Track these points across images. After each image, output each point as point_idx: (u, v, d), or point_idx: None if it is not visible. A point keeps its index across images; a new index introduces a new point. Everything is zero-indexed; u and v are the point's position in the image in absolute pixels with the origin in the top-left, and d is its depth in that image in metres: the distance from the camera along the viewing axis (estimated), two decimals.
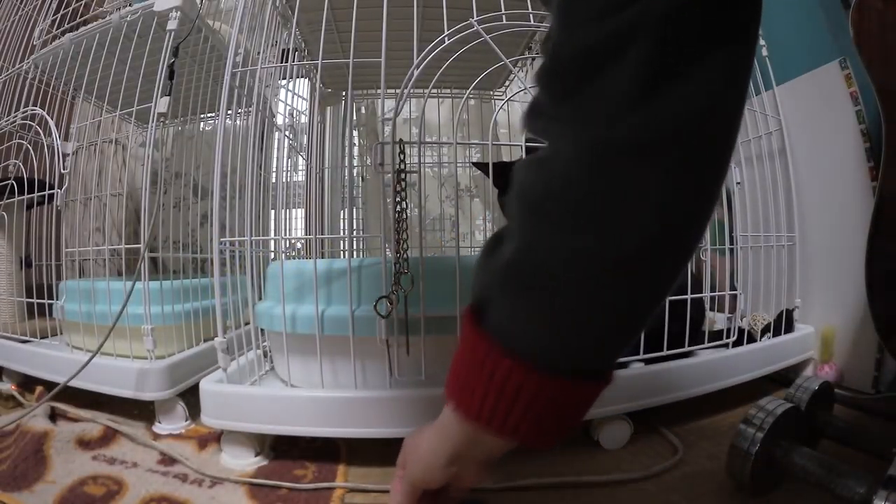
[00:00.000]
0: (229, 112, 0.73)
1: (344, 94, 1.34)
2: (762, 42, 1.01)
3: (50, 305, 0.96)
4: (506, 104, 1.20)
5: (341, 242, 1.40)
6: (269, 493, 0.61)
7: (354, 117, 1.49)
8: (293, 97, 1.14)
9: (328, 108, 1.41)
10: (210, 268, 0.87)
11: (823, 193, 0.98)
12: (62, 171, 0.91)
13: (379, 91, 0.80)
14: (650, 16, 0.24)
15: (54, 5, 1.07)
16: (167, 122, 0.87)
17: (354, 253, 1.22)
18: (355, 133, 1.52)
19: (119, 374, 0.80)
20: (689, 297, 0.76)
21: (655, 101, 0.25)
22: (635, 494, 0.60)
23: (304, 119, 1.22)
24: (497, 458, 0.39)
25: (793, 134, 1.01)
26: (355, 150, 1.52)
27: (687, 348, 0.77)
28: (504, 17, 0.70)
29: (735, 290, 0.91)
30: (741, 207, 0.92)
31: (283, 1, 0.90)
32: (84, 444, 0.73)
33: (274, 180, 1.00)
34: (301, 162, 1.22)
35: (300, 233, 1.36)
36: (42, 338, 1.01)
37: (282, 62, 0.91)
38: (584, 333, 0.30)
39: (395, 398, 0.66)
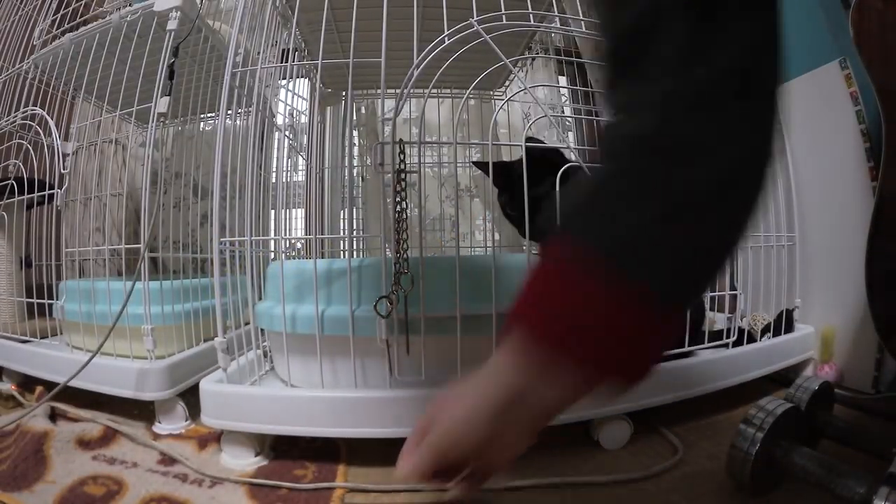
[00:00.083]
0: (229, 112, 0.73)
1: (344, 94, 1.34)
2: None
3: (50, 305, 0.96)
4: (506, 104, 1.20)
5: (341, 242, 1.40)
6: (269, 493, 0.61)
7: (354, 117, 1.49)
8: (293, 97, 1.14)
9: (328, 108, 1.41)
10: (210, 268, 0.87)
11: (823, 193, 0.98)
12: (62, 171, 0.91)
13: (379, 91, 0.80)
14: None
15: (54, 5, 1.07)
16: (167, 122, 0.87)
17: (354, 253, 1.22)
18: (355, 133, 1.52)
19: (119, 374, 0.80)
20: None
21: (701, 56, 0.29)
22: (635, 494, 0.59)
23: (304, 119, 1.22)
24: (540, 427, 0.34)
25: (793, 134, 1.01)
26: (355, 150, 1.52)
27: (687, 348, 0.77)
28: (504, 17, 0.70)
29: (735, 290, 0.91)
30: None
31: (283, 1, 0.90)
32: (84, 444, 0.73)
33: (274, 180, 1.00)
34: (301, 162, 1.22)
35: (300, 233, 1.36)
36: (42, 338, 1.01)
37: (282, 62, 0.91)
38: (684, 260, 0.31)
39: (395, 398, 0.66)
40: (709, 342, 0.82)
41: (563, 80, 1.80)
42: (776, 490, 0.56)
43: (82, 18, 1.01)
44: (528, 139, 0.74)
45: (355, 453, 0.70)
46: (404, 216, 0.65)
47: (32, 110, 0.98)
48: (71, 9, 1.03)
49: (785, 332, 0.93)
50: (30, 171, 0.98)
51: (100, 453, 0.71)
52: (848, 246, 0.91)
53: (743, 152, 0.31)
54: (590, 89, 1.63)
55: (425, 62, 0.68)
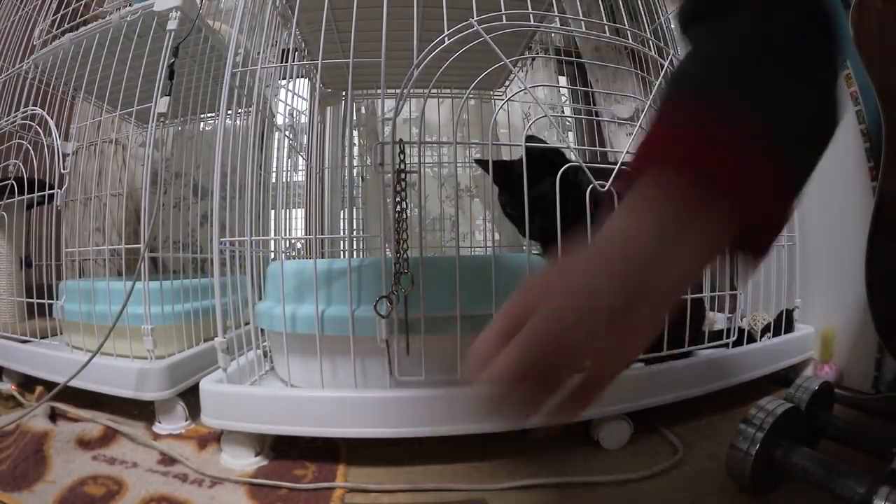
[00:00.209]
0: (229, 112, 0.73)
1: (344, 94, 1.34)
2: None
3: (50, 305, 0.96)
4: (506, 104, 1.20)
5: (341, 242, 1.40)
6: (269, 493, 0.61)
7: (354, 117, 1.49)
8: (293, 97, 1.14)
9: (328, 108, 1.41)
10: (210, 268, 0.87)
11: (823, 193, 0.98)
12: (62, 171, 0.91)
13: (379, 91, 0.80)
14: None
15: (54, 5, 1.07)
16: (167, 122, 0.87)
17: (354, 253, 1.22)
18: (355, 133, 1.52)
19: (119, 374, 0.80)
20: (688, 296, 0.76)
21: None
22: (635, 494, 0.59)
23: (304, 119, 1.22)
24: (675, 300, 0.29)
25: None
26: (355, 150, 1.53)
27: (687, 348, 0.77)
28: (504, 17, 0.70)
29: (735, 290, 0.91)
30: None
31: (283, 1, 0.90)
32: (84, 444, 0.73)
33: (274, 180, 1.00)
34: (301, 162, 1.22)
35: (300, 233, 1.36)
36: (42, 338, 1.01)
37: (282, 62, 0.91)
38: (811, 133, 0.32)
39: (395, 398, 0.66)
40: (709, 342, 0.82)
41: (563, 80, 1.81)
42: (776, 490, 0.56)
43: (82, 18, 1.01)
44: (529, 138, 0.74)
45: (355, 453, 0.70)
46: (404, 216, 0.65)
47: (32, 110, 0.98)
48: (71, 9, 1.03)
49: (785, 332, 0.93)
50: (30, 171, 0.98)
51: (100, 453, 0.71)
52: (848, 246, 0.91)
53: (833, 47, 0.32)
54: (590, 89, 1.63)
55: (425, 62, 0.68)
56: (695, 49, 0.34)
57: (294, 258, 1.14)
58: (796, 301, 0.97)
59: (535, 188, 0.70)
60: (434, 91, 0.80)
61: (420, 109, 0.81)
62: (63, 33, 0.99)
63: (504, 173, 0.80)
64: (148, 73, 0.86)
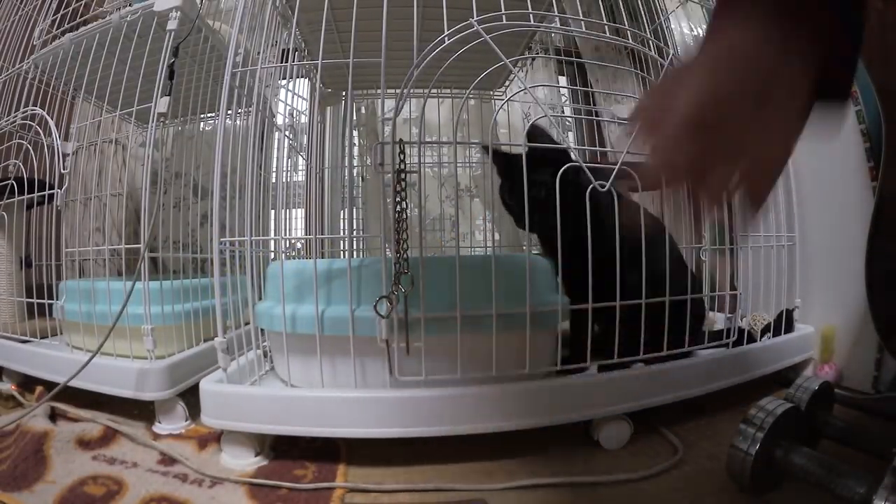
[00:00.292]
0: (229, 112, 0.73)
1: (344, 94, 1.34)
2: None
3: (50, 305, 0.96)
4: (506, 104, 1.20)
5: (341, 242, 1.40)
6: (269, 493, 0.61)
7: (354, 117, 1.49)
8: (293, 97, 1.14)
9: (328, 108, 1.41)
10: (210, 268, 0.87)
11: (823, 193, 0.98)
12: (62, 171, 0.91)
13: (379, 91, 0.80)
14: None
15: (54, 5, 1.07)
16: (167, 122, 0.87)
17: (354, 253, 1.23)
18: (355, 133, 1.52)
19: (119, 374, 0.80)
20: (689, 297, 0.76)
21: None
22: (635, 494, 0.59)
23: (304, 119, 1.23)
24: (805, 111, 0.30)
25: None
26: (355, 150, 1.53)
27: (687, 348, 0.77)
28: (504, 17, 0.70)
29: (735, 290, 0.91)
30: (741, 207, 0.91)
31: (283, 1, 0.90)
32: (84, 444, 0.73)
33: (274, 180, 1.00)
34: (301, 162, 1.22)
35: (300, 233, 1.36)
36: (42, 338, 1.01)
37: (282, 62, 0.91)
38: None
39: (395, 398, 0.66)
40: (709, 342, 0.82)
41: (563, 80, 1.81)
42: (776, 490, 0.56)
43: (82, 18, 1.01)
44: (535, 128, 0.74)
45: (355, 453, 0.70)
46: (404, 216, 0.65)
47: (32, 110, 0.98)
48: (71, 9, 1.03)
49: (785, 332, 0.93)
50: (30, 171, 0.98)
51: (100, 453, 0.71)
52: (848, 246, 0.91)
53: None
54: (590, 89, 1.63)
55: (425, 62, 0.68)
56: None
57: (294, 258, 1.14)
58: (796, 301, 0.97)
59: (533, 176, 0.70)
60: (434, 91, 0.80)
61: (420, 109, 0.81)
62: (63, 33, 0.99)
63: (505, 161, 0.80)
64: (148, 73, 0.86)
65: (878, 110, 0.75)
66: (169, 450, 0.71)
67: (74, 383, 0.79)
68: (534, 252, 0.88)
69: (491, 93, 1.39)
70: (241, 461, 0.68)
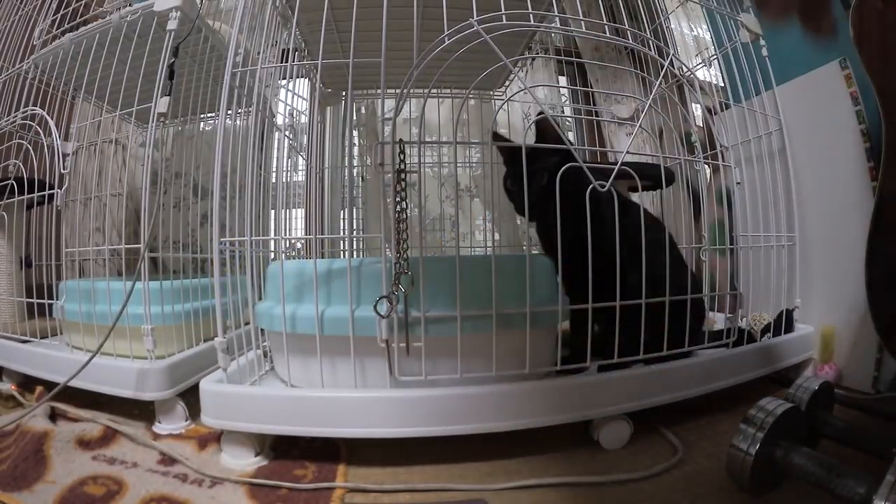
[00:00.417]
0: (229, 112, 0.73)
1: (344, 94, 1.34)
2: (762, 42, 1.01)
3: (50, 305, 0.96)
4: (506, 104, 1.20)
5: (341, 242, 1.40)
6: (269, 493, 0.61)
7: (354, 117, 1.49)
8: (293, 97, 1.14)
9: (328, 108, 1.41)
10: (210, 268, 0.87)
11: (823, 193, 0.98)
12: (62, 171, 0.91)
13: (379, 91, 0.80)
14: None
15: (54, 5, 1.07)
16: (167, 122, 0.87)
17: (354, 253, 1.23)
18: (355, 133, 1.52)
19: (119, 374, 0.80)
20: (689, 297, 0.76)
21: None
22: (635, 494, 0.59)
23: (304, 119, 1.23)
24: None
25: (793, 134, 1.01)
26: (355, 150, 1.53)
27: (687, 348, 0.77)
28: (504, 17, 0.70)
29: (735, 290, 0.91)
30: (741, 207, 0.92)
31: (283, 1, 0.90)
32: (84, 444, 0.73)
33: (274, 180, 1.00)
34: (301, 162, 1.22)
35: (300, 233, 1.36)
36: (42, 338, 1.01)
37: (282, 62, 0.91)
38: None
39: (395, 398, 0.66)
40: (709, 342, 0.82)
41: (563, 80, 1.81)
42: (776, 490, 0.57)
43: (82, 18, 1.01)
44: (544, 120, 0.74)
45: (355, 453, 0.70)
46: (404, 216, 0.65)
47: (32, 110, 0.98)
48: (71, 9, 1.03)
49: (785, 332, 0.93)
50: (30, 171, 0.98)
51: (100, 453, 0.71)
52: (848, 246, 0.91)
53: None
54: (590, 89, 1.63)
55: (425, 62, 0.68)
56: None
57: (294, 258, 1.14)
58: (796, 301, 0.97)
59: (536, 164, 0.69)
60: (434, 91, 0.80)
61: (420, 109, 0.81)
62: (63, 33, 0.99)
63: (510, 150, 0.81)
64: (148, 73, 0.86)
65: (878, 110, 0.75)
66: (169, 450, 0.71)
67: (74, 383, 0.78)
68: (534, 252, 0.88)
69: (491, 93, 1.39)
70: (241, 461, 0.68)
